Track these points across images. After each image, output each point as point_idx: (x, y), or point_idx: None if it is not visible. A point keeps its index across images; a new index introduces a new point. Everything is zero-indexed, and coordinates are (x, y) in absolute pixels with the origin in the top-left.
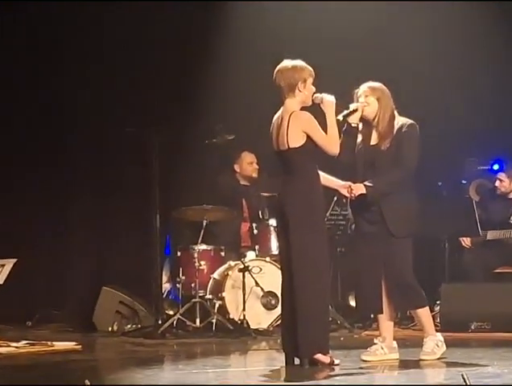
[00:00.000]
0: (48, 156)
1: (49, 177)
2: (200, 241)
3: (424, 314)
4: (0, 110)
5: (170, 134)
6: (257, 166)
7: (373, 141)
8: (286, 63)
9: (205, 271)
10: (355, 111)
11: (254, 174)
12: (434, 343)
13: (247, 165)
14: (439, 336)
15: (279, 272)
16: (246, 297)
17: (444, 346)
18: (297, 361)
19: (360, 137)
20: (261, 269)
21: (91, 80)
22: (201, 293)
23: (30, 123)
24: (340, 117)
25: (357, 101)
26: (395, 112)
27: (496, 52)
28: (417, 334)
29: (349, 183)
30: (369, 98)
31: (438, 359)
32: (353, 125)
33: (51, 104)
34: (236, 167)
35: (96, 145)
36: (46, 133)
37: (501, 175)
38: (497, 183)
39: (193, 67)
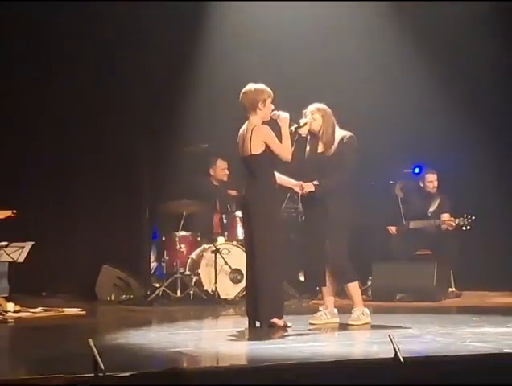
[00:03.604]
0: (57, 161)
1: (59, 180)
2: (180, 229)
3: (353, 288)
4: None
5: (155, 145)
6: (227, 172)
7: (320, 149)
8: (250, 86)
9: (184, 252)
10: (305, 125)
11: (225, 178)
12: (360, 313)
13: (220, 170)
14: (366, 309)
15: (244, 253)
16: (217, 273)
17: (369, 317)
18: (258, 324)
19: (308, 147)
20: (229, 251)
21: (89, 97)
22: (181, 270)
23: (38, 134)
24: (293, 128)
25: (306, 118)
26: (336, 126)
27: (425, 55)
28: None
29: (301, 183)
30: (315, 115)
31: (364, 324)
32: (302, 135)
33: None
34: (211, 171)
35: (96, 153)
36: (58, 145)
37: (431, 177)
38: (431, 185)
39: (174, 86)
